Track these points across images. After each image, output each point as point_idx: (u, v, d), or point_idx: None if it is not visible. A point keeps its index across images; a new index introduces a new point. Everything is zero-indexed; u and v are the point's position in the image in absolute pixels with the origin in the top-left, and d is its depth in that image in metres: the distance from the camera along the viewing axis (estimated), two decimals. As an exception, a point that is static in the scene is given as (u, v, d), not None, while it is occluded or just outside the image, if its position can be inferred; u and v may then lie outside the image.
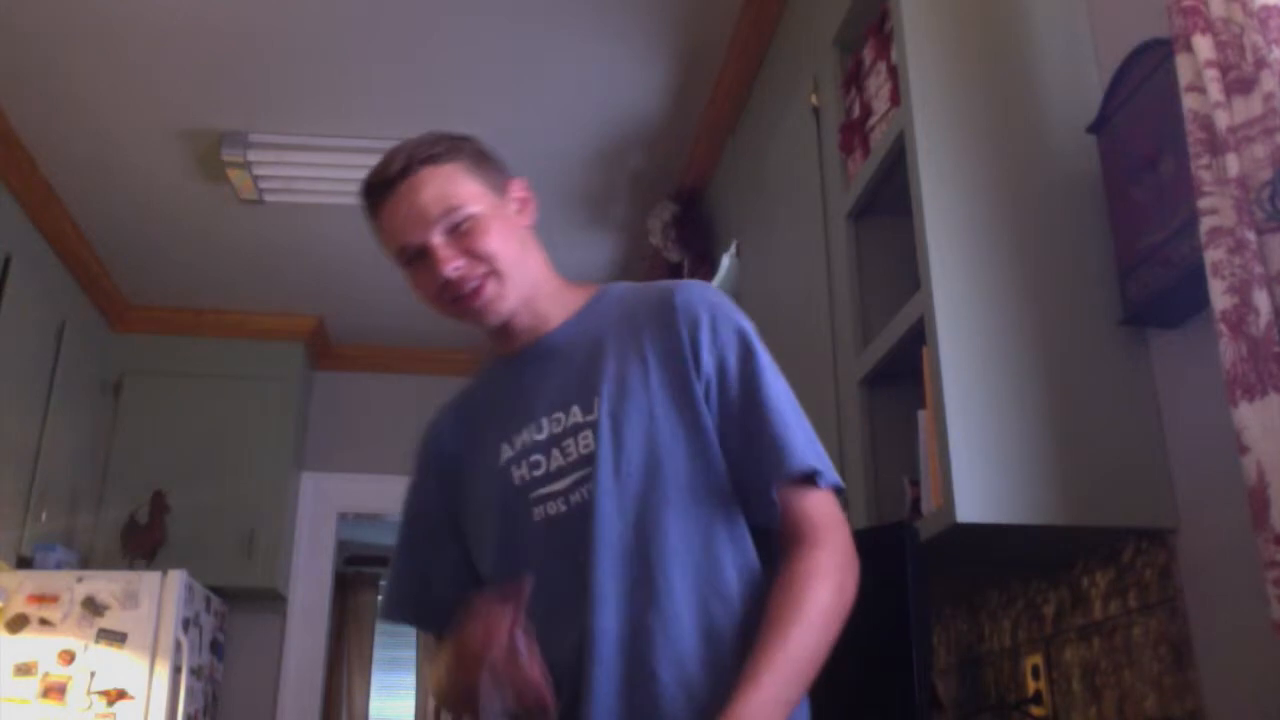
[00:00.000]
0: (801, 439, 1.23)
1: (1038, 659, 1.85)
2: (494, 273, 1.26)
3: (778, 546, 1.22)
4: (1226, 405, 1.21)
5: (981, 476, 1.56)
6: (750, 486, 1.23)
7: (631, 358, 1.27)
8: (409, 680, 6.76)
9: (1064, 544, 1.71)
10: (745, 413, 1.24)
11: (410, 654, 6.78)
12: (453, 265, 1.24)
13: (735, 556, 1.22)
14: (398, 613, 1.41)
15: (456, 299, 1.26)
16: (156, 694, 3.23)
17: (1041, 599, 1.86)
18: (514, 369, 1.34)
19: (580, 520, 1.21)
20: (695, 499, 1.22)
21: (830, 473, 1.23)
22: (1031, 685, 1.86)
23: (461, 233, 1.25)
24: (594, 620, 1.17)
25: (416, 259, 1.26)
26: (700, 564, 1.20)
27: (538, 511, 1.25)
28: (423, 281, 1.27)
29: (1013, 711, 1.90)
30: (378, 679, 6.69)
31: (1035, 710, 1.83)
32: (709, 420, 1.24)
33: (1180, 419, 1.57)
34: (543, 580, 1.19)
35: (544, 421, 1.27)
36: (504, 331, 1.34)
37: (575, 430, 1.25)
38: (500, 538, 1.28)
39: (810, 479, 1.22)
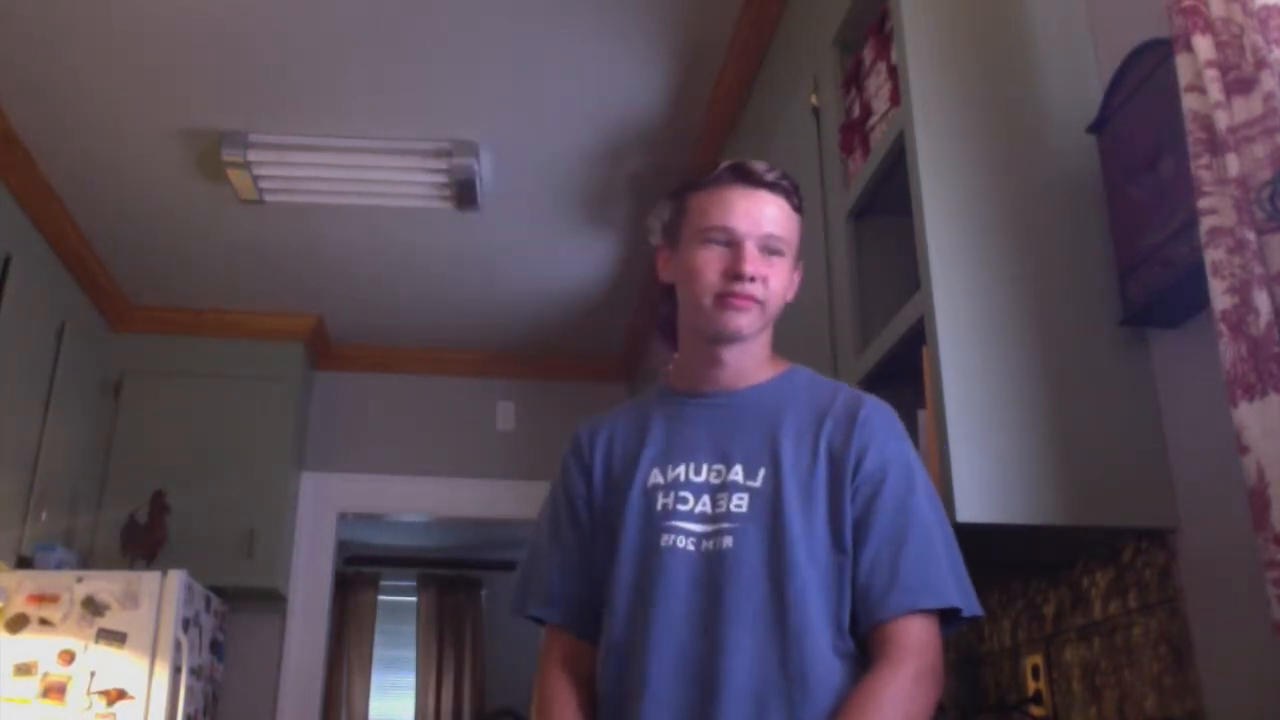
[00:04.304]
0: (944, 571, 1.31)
1: (1038, 659, 1.85)
2: (761, 304, 1.40)
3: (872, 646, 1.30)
4: (1226, 405, 1.21)
5: (981, 476, 1.56)
6: (872, 599, 1.30)
7: (806, 445, 1.37)
8: (409, 680, 6.76)
9: (1064, 544, 1.71)
10: (895, 532, 1.32)
11: (410, 654, 6.78)
12: (756, 266, 1.38)
13: (844, 641, 1.30)
14: (548, 611, 1.47)
15: (730, 294, 1.38)
16: (156, 694, 3.23)
17: (1041, 599, 1.86)
18: (691, 408, 1.45)
19: (712, 566, 1.31)
20: (828, 592, 1.30)
21: (970, 602, 1.31)
22: (1031, 685, 1.86)
23: (767, 259, 1.40)
24: (723, 664, 1.26)
25: (722, 243, 1.39)
26: (830, 638, 1.29)
27: (666, 539, 1.35)
28: (711, 261, 1.39)
29: (1013, 711, 1.90)
30: (378, 679, 6.69)
31: (1035, 710, 1.83)
32: (848, 524, 1.32)
33: (1180, 419, 1.57)
34: (662, 601, 1.31)
35: (704, 467, 1.39)
36: (709, 363, 1.44)
37: (732, 488, 1.35)
38: (633, 553, 1.37)
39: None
